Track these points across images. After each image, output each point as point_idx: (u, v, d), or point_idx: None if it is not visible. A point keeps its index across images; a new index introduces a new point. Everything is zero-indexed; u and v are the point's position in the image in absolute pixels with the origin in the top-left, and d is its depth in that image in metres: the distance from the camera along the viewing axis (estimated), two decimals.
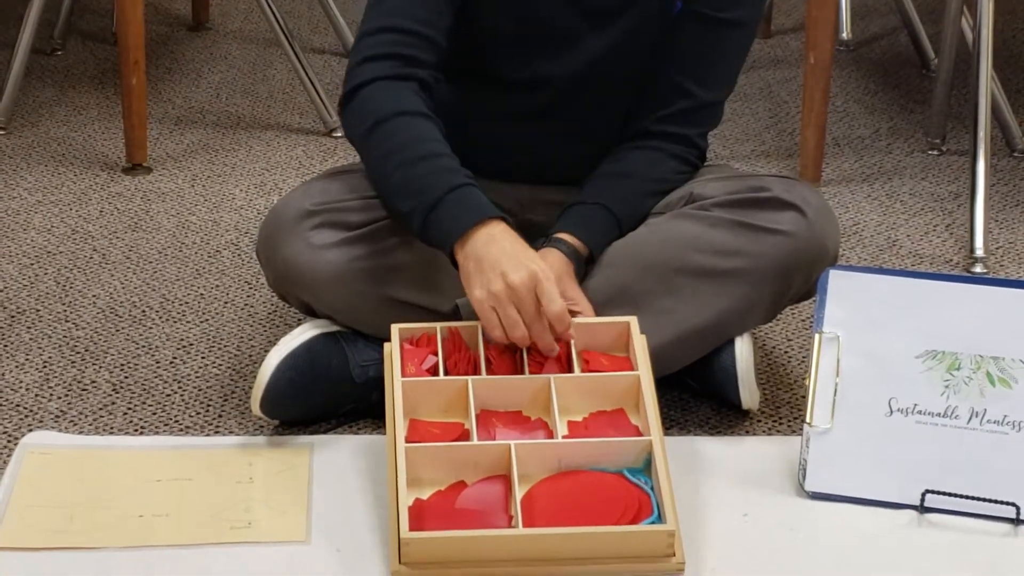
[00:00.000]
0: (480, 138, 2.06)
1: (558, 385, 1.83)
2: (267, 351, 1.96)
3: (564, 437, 1.80)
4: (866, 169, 2.82)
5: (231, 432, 1.99)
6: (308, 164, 2.82)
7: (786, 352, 2.20)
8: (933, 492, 1.79)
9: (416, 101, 1.90)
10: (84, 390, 2.09)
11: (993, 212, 2.61)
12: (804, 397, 1.85)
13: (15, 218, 2.59)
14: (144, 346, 2.20)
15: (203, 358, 2.17)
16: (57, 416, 2.02)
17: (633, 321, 1.90)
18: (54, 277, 2.39)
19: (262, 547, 1.74)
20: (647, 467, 1.78)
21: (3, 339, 2.21)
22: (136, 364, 2.15)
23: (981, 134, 2.56)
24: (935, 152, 2.88)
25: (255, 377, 1.94)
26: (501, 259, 1.79)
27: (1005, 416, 1.80)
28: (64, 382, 2.10)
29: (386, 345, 1.87)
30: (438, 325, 1.89)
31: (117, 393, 2.08)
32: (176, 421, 2.01)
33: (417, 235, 1.87)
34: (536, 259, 1.81)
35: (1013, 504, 1.79)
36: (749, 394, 1.98)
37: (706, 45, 2.01)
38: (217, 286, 2.38)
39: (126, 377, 2.12)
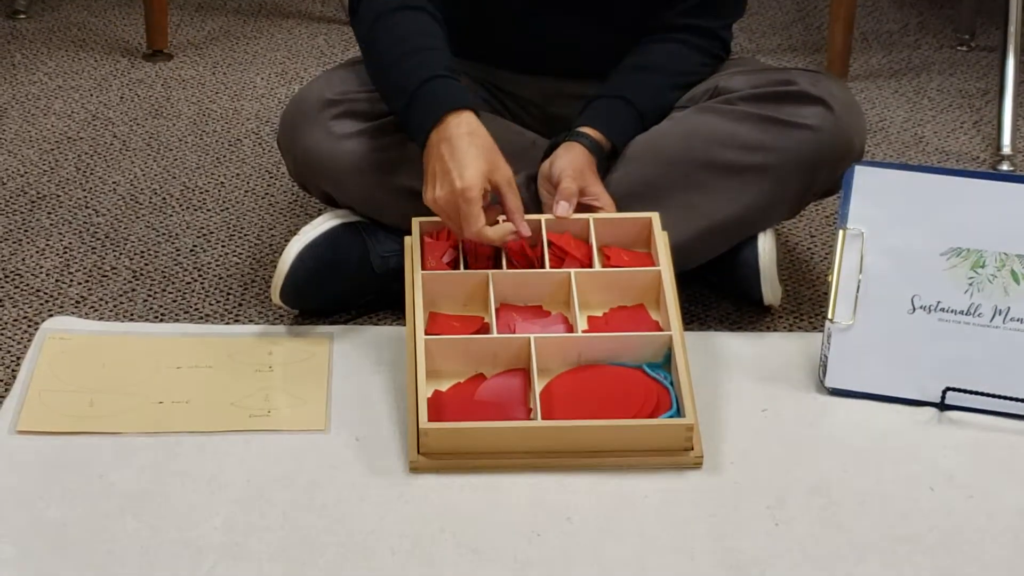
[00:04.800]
0: (503, 31, 2.04)
1: (579, 280, 1.83)
2: (287, 241, 1.96)
3: (584, 332, 1.80)
4: (894, 64, 2.79)
5: (251, 321, 1.99)
6: (330, 53, 2.80)
7: (809, 248, 2.19)
8: (954, 390, 1.79)
9: None
10: (104, 276, 2.09)
11: (1021, 109, 2.59)
12: (826, 294, 1.84)
13: (35, 103, 2.58)
14: (164, 234, 2.20)
15: (223, 247, 2.17)
16: (77, 302, 2.03)
17: (655, 217, 1.89)
18: (74, 163, 2.39)
19: (281, 435, 1.75)
20: (667, 362, 1.78)
21: (24, 224, 2.21)
22: (156, 251, 2.15)
23: (1011, 30, 2.53)
24: (964, 48, 2.85)
25: (275, 266, 1.94)
26: (438, 166, 1.78)
27: None
28: (84, 268, 2.11)
29: (407, 239, 1.87)
30: None
31: (137, 280, 2.08)
32: (196, 309, 2.02)
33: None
34: (472, 165, 1.76)
35: None
36: (771, 290, 1.97)
37: None
38: (238, 175, 2.37)
39: (146, 264, 2.12)
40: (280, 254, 1.94)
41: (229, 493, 1.66)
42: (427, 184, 1.80)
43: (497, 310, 1.82)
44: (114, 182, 2.33)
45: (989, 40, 2.86)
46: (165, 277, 2.09)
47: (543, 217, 1.88)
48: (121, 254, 2.14)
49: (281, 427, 1.77)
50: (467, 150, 1.78)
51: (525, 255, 1.86)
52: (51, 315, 1.99)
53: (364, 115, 1.93)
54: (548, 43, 2.04)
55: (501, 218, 1.82)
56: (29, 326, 1.97)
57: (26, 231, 2.20)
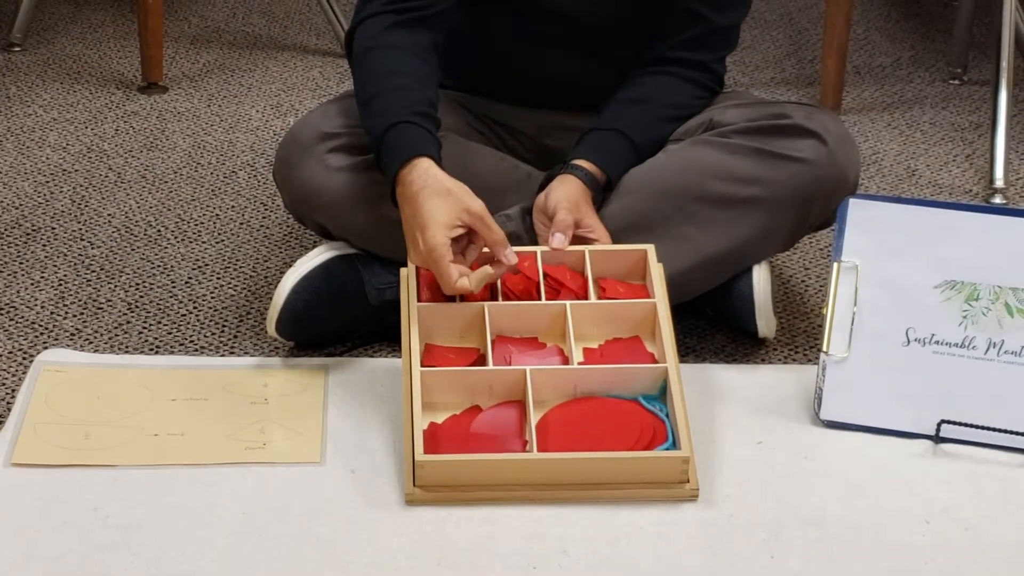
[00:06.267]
0: (498, 64, 2.05)
1: (574, 312, 1.83)
2: (283, 273, 1.96)
3: (580, 364, 1.80)
4: (886, 98, 2.79)
5: (246, 353, 1.99)
6: (325, 86, 2.80)
7: (803, 281, 2.19)
8: (949, 422, 1.79)
9: (396, 35, 1.88)
10: (99, 309, 2.09)
11: (1014, 143, 2.60)
12: (821, 326, 1.85)
13: (31, 135, 2.58)
14: (159, 266, 2.20)
15: (218, 278, 2.17)
16: (72, 334, 2.02)
17: (650, 249, 1.89)
18: (69, 195, 2.39)
19: (276, 468, 1.75)
20: (662, 394, 1.78)
21: (19, 257, 2.21)
22: (151, 284, 2.15)
23: (1004, 64, 2.54)
24: (956, 82, 2.86)
25: (271, 298, 1.94)
26: (407, 228, 1.79)
27: (1023, 347, 1.79)
28: (79, 300, 2.10)
29: (403, 269, 1.87)
30: None
31: (132, 312, 2.08)
32: (191, 341, 2.02)
33: None
34: (430, 224, 1.76)
35: None
36: (766, 322, 1.97)
37: None
38: (233, 207, 2.37)
39: (141, 296, 2.12)
40: (275, 286, 1.94)
41: (224, 526, 1.65)
42: (407, 246, 1.82)
43: (493, 342, 1.82)
44: (109, 214, 2.34)
45: (981, 74, 2.87)
46: (160, 309, 2.09)
47: (539, 249, 1.88)
48: (116, 286, 2.14)
49: (276, 459, 1.77)
50: (422, 206, 1.77)
51: (521, 287, 1.86)
52: (46, 347, 1.99)
53: (359, 148, 1.93)
54: (543, 76, 2.05)
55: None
56: (24, 358, 1.97)
57: (21, 263, 2.20)
